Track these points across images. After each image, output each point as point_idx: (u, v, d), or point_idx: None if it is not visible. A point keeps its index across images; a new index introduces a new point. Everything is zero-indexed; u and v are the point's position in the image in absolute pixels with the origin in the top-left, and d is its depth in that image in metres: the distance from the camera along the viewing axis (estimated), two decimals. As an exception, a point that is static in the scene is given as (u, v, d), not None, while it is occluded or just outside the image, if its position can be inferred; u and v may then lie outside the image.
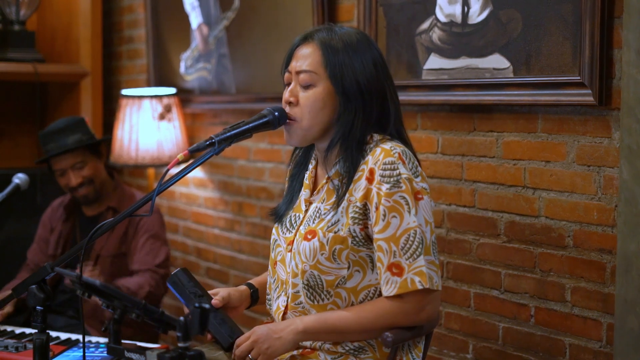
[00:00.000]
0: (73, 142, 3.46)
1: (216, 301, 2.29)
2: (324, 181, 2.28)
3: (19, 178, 3.31)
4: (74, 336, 2.90)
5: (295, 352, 2.24)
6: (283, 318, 2.28)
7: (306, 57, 2.23)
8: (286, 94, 2.26)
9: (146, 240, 3.50)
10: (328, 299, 2.21)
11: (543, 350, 2.67)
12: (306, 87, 2.23)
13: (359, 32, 2.30)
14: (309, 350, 2.24)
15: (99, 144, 3.58)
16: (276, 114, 2.24)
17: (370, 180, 2.16)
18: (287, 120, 2.24)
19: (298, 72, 2.23)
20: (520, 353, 2.75)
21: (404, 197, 2.12)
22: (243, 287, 2.44)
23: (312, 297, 2.22)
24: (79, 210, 3.64)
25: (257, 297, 2.45)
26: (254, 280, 2.49)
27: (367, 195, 2.16)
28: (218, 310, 2.28)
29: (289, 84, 2.27)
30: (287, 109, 2.25)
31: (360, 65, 2.21)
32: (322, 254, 2.19)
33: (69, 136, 3.48)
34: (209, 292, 2.33)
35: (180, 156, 2.12)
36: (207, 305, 1.66)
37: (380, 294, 2.20)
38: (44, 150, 3.50)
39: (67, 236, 3.60)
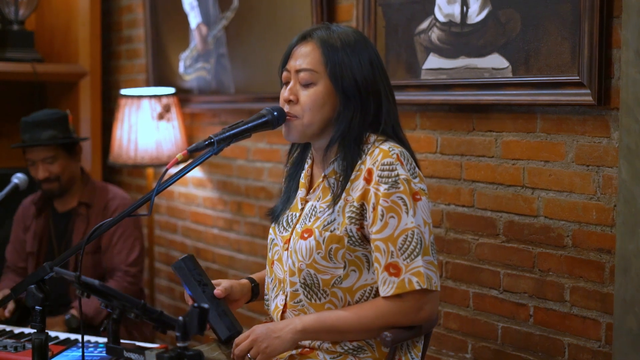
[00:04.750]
0: (46, 138, 3.49)
1: (219, 291, 2.30)
2: (320, 180, 2.28)
3: (17, 178, 3.31)
4: (72, 336, 2.90)
5: (294, 352, 2.24)
6: (282, 317, 2.28)
7: (306, 56, 2.23)
8: (285, 93, 2.26)
9: (119, 237, 3.51)
10: (325, 298, 2.21)
11: (542, 350, 2.67)
12: (306, 85, 2.23)
13: (356, 31, 2.30)
14: (308, 349, 2.24)
15: (73, 143, 3.58)
16: (275, 113, 2.24)
17: (368, 180, 2.16)
18: (287, 118, 2.25)
19: (298, 71, 2.23)
20: (519, 353, 2.75)
21: (401, 198, 2.12)
22: (245, 281, 2.44)
23: (309, 296, 2.22)
24: (51, 206, 3.65)
25: (257, 291, 2.45)
26: (255, 275, 2.50)
27: (364, 196, 2.16)
28: (220, 302, 2.28)
29: (287, 83, 2.27)
30: (287, 107, 2.25)
31: (358, 64, 2.21)
32: (318, 253, 2.19)
33: (45, 130, 3.51)
34: (212, 282, 2.34)
35: (179, 156, 2.12)
36: (206, 305, 1.66)
37: (376, 294, 2.20)
38: (21, 138, 3.55)
39: (41, 232, 3.62)
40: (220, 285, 2.32)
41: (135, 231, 3.59)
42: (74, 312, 3.36)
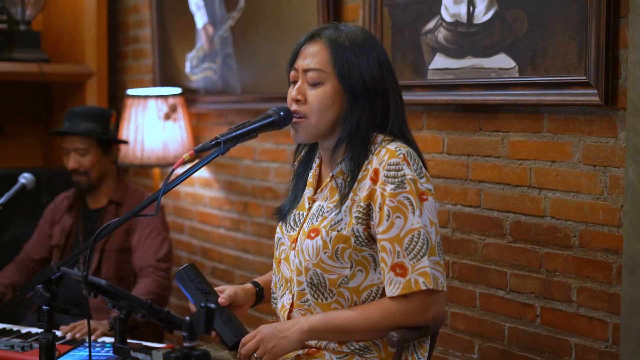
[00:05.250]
0: (83, 129, 3.52)
1: (223, 300, 2.29)
2: (328, 179, 2.28)
3: (24, 178, 3.32)
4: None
5: (300, 352, 2.24)
6: (289, 316, 2.28)
7: (314, 55, 2.23)
8: (293, 92, 2.26)
9: (147, 235, 3.51)
10: (332, 298, 2.21)
11: (549, 351, 2.67)
12: (314, 85, 2.23)
13: (364, 31, 2.30)
14: (315, 349, 2.24)
15: (108, 141, 3.59)
16: (281, 113, 2.24)
17: (374, 180, 2.16)
18: (295, 118, 2.24)
19: (306, 70, 2.24)
20: (526, 353, 2.74)
21: (408, 198, 2.12)
22: (249, 286, 2.44)
23: (316, 296, 2.22)
24: (83, 202, 3.66)
25: (262, 295, 2.45)
26: (260, 279, 2.49)
27: (371, 196, 2.16)
28: (224, 309, 2.28)
29: (294, 82, 2.27)
30: (294, 106, 2.25)
31: (366, 64, 2.21)
32: (324, 253, 2.19)
33: (85, 122, 3.54)
34: (215, 289, 2.33)
35: (185, 156, 2.12)
36: (212, 305, 1.66)
37: (382, 294, 2.20)
38: (63, 125, 3.60)
39: (70, 227, 3.62)
40: (224, 293, 2.31)
41: (164, 231, 3.59)
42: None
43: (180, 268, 2.33)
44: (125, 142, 3.80)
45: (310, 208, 2.30)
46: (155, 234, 3.52)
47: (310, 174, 2.36)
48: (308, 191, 2.34)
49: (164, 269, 3.48)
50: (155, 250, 3.48)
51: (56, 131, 3.63)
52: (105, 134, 3.58)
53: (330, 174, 2.28)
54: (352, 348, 2.21)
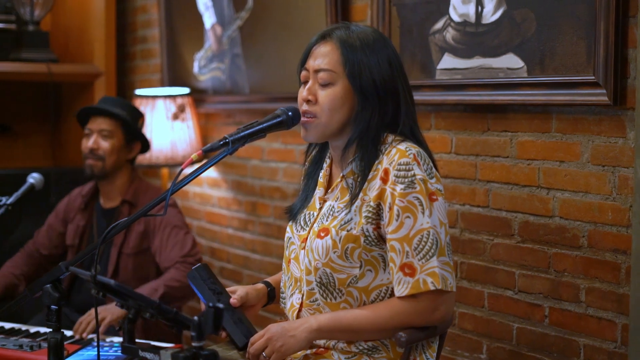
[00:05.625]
0: (116, 113, 3.52)
1: (234, 300, 2.29)
2: (339, 179, 2.29)
3: (33, 178, 3.32)
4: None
5: (308, 352, 2.24)
6: (298, 315, 2.28)
7: (325, 56, 2.23)
8: (304, 92, 2.26)
9: (169, 235, 3.49)
10: (340, 297, 2.21)
11: (557, 351, 2.67)
12: (325, 85, 2.23)
13: (375, 30, 2.30)
14: (323, 349, 2.24)
15: (133, 134, 3.57)
16: (290, 113, 2.24)
17: (384, 180, 2.16)
18: (305, 118, 2.24)
19: (317, 71, 2.24)
20: (534, 353, 2.74)
21: (418, 198, 2.12)
22: (260, 286, 2.44)
23: (325, 295, 2.22)
24: (97, 201, 3.65)
25: (273, 295, 2.44)
26: (271, 279, 2.49)
27: (381, 195, 2.16)
28: (235, 309, 2.28)
29: (305, 82, 2.27)
30: (305, 106, 2.25)
31: (376, 64, 2.21)
32: (334, 252, 2.19)
33: (118, 108, 3.55)
34: (227, 289, 2.33)
35: (194, 156, 2.12)
36: (221, 305, 1.66)
37: (392, 294, 2.20)
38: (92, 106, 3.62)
39: (84, 227, 3.61)
40: (236, 294, 2.31)
41: (183, 227, 3.56)
42: None
43: (193, 268, 2.33)
44: (148, 146, 3.74)
45: (321, 208, 2.31)
46: (175, 233, 3.50)
47: (321, 174, 2.37)
48: (319, 191, 2.34)
49: (192, 262, 3.44)
50: (180, 248, 3.46)
51: (88, 108, 3.61)
52: (135, 126, 3.57)
53: (341, 174, 2.28)
54: (361, 348, 2.21)
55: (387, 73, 2.22)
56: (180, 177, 2.15)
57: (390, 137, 2.23)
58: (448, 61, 2.91)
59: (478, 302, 2.93)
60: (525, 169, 2.74)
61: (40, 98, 4.93)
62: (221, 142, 2.16)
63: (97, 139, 3.50)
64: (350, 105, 2.23)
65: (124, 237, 3.50)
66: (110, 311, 3.04)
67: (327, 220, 2.24)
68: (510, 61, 2.70)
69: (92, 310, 3.09)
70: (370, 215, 2.17)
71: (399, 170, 2.14)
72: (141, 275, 3.49)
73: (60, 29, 5.08)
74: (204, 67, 4.39)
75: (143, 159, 4.20)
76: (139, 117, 3.64)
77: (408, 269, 2.11)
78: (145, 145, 3.65)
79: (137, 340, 1.94)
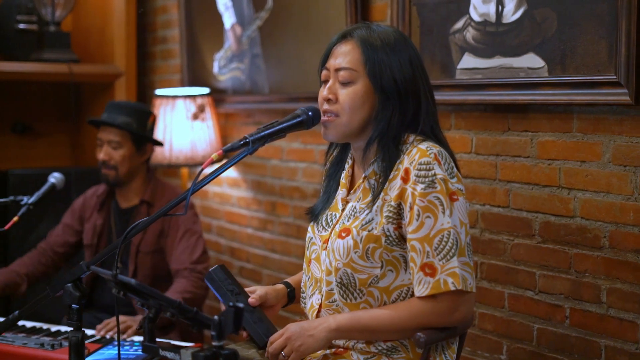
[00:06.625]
0: (120, 123, 3.52)
1: (253, 300, 2.29)
2: (361, 180, 2.28)
3: (54, 177, 3.34)
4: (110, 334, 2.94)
5: (327, 352, 2.24)
6: (317, 316, 2.28)
7: (346, 55, 2.23)
8: (324, 92, 2.26)
9: (181, 237, 3.50)
10: (361, 298, 2.21)
11: (578, 352, 2.65)
12: (345, 84, 2.23)
13: (397, 30, 2.30)
14: (342, 349, 2.24)
15: (142, 139, 3.58)
16: (310, 113, 2.24)
17: (405, 180, 2.15)
18: (326, 117, 2.24)
19: (337, 69, 2.24)
20: (555, 354, 2.73)
21: (438, 198, 2.12)
22: (280, 286, 2.44)
23: (345, 296, 2.22)
24: (114, 200, 3.66)
25: (293, 296, 2.45)
26: (291, 279, 2.49)
27: (401, 195, 2.16)
28: (255, 309, 2.28)
29: (326, 82, 2.27)
30: (326, 106, 2.25)
31: (397, 64, 2.21)
32: (355, 252, 2.19)
33: (124, 116, 3.55)
34: (246, 289, 2.33)
35: (214, 156, 2.12)
36: (241, 305, 1.66)
37: (412, 295, 2.19)
38: (102, 116, 3.62)
39: (102, 227, 3.62)
40: (255, 294, 2.32)
41: (197, 231, 3.57)
42: None
43: (210, 269, 2.33)
44: (161, 144, 3.76)
45: (343, 209, 2.30)
46: (189, 235, 3.51)
47: (342, 175, 2.37)
48: (341, 192, 2.34)
49: (200, 270, 3.46)
50: (189, 253, 3.47)
51: (93, 120, 3.64)
52: (141, 130, 3.57)
53: (363, 175, 2.28)
54: (380, 348, 2.20)
55: (408, 72, 2.22)
56: (201, 177, 2.15)
57: (412, 137, 2.22)
58: (468, 61, 2.90)
59: (498, 303, 2.92)
60: (546, 169, 2.73)
61: (61, 98, 4.95)
62: (241, 142, 2.16)
63: (108, 150, 3.52)
64: (370, 104, 2.22)
65: (142, 235, 3.51)
66: (136, 320, 3.07)
67: (348, 221, 2.24)
68: (531, 61, 2.69)
69: (122, 317, 3.12)
70: (391, 215, 2.17)
71: (420, 169, 2.13)
72: (158, 273, 3.51)
73: (81, 29, 5.11)
74: (223, 67, 4.39)
75: (163, 159, 4.21)
76: (147, 117, 3.63)
77: (429, 269, 2.11)
78: (158, 143, 3.68)
79: (157, 340, 1.95)
